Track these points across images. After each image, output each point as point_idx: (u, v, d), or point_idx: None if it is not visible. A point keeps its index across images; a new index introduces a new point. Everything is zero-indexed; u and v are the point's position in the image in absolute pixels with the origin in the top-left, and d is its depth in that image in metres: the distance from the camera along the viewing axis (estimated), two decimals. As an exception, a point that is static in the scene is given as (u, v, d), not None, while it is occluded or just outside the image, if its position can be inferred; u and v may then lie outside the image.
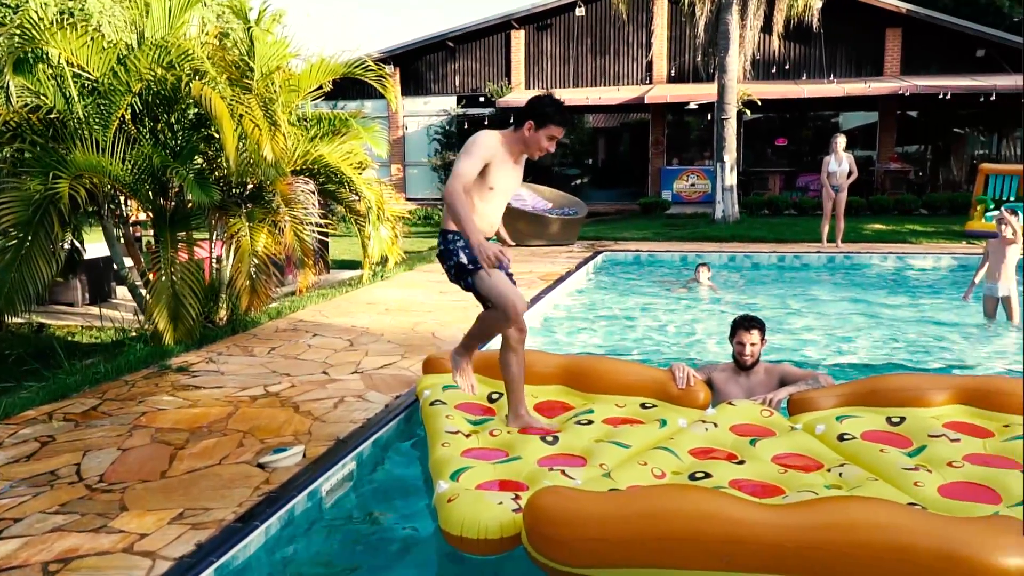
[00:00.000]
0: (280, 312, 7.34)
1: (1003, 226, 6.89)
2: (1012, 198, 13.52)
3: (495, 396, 4.33)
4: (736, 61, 14.82)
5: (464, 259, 3.65)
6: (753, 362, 4.33)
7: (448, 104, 21.76)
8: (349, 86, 7.95)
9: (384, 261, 8.56)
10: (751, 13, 14.48)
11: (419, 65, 22.02)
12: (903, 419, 3.77)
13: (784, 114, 21.26)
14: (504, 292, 3.66)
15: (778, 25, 15.10)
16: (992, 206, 13.27)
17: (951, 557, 2.29)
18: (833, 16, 18.25)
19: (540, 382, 4.41)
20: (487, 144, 3.58)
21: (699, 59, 17.11)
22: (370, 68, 7.38)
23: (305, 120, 7.91)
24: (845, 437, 3.62)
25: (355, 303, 7.94)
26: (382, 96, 8.31)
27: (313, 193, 7.06)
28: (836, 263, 11.13)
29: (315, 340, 6.33)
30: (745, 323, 4.37)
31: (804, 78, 19.68)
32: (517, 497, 3.09)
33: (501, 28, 21.33)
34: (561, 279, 9.30)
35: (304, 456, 3.80)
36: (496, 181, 3.60)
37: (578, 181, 24.79)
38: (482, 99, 21.38)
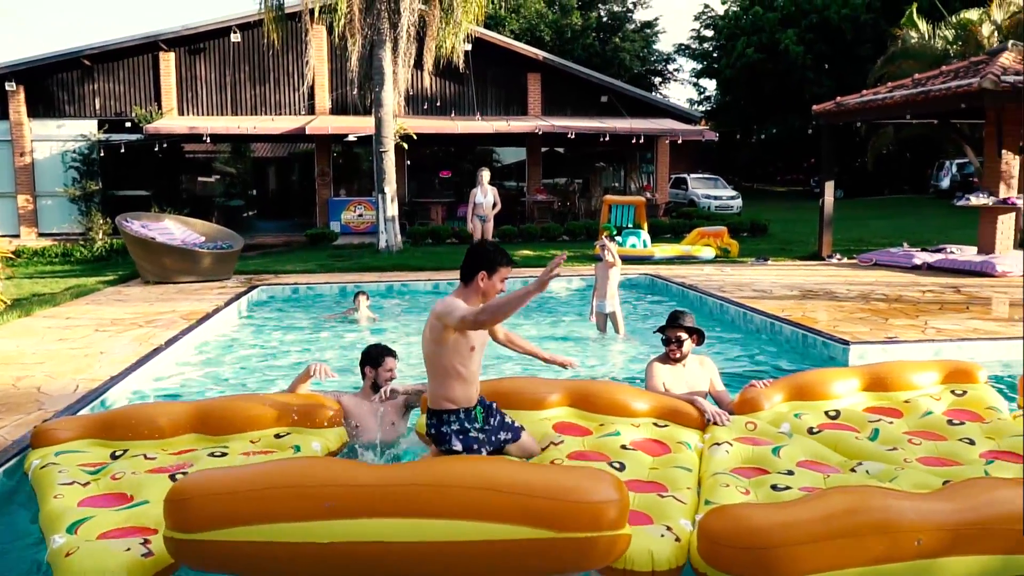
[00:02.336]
0: None
1: (604, 252, 7.90)
2: (630, 224, 15.69)
3: (119, 453, 4.14)
4: (391, 96, 15.32)
5: (458, 446, 3.64)
6: None
7: (88, 128, 19.56)
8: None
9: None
10: (402, 51, 15.07)
11: (50, 84, 19.53)
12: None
13: (449, 148, 22.47)
14: None
15: (428, 64, 15.91)
16: (615, 232, 15.21)
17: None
18: (483, 59, 19.79)
19: (171, 433, 4.36)
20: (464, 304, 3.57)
21: (355, 92, 17.38)
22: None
23: None
24: None
25: (-57, 359, 6.73)
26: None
27: None
28: (485, 288, 11.90)
29: None
30: (392, 352, 4.82)
31: (453, 115, 20.99)
32: (147, 542, 3.03)
33: (147, 49, 19.76)
34: (207, 316, 8.77)
35: None
36: (474, 339, 3.66)
37: (248, 213, 23.81)
38: (128, 124, 19.59)
